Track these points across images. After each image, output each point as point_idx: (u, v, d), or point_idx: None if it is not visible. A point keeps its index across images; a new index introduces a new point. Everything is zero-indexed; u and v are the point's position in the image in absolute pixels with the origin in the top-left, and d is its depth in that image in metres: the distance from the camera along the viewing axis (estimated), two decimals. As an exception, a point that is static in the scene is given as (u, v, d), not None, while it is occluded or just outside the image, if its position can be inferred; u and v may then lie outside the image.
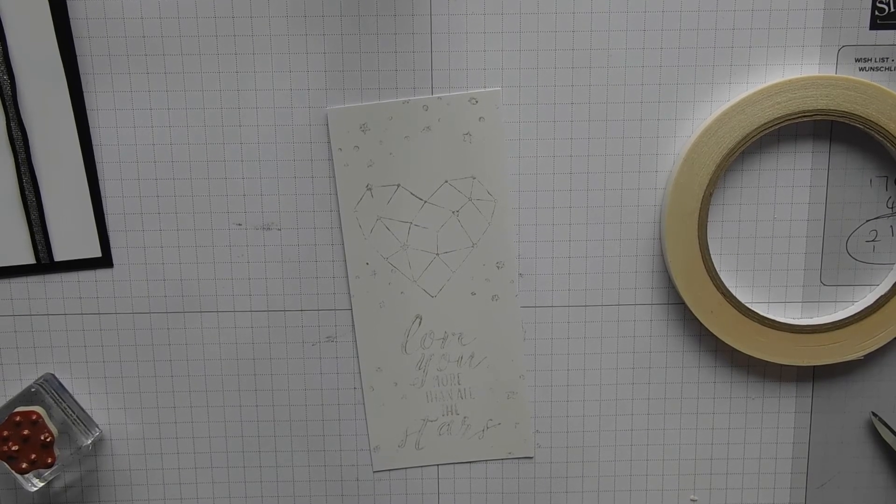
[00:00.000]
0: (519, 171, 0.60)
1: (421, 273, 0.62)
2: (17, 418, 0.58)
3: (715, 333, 0.61)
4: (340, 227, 0.61)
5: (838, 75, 0.59)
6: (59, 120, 0.58)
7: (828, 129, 0.60)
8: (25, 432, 0.58)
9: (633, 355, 0.63)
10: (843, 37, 0.58)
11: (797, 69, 0.59)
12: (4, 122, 0.58)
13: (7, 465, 0.59)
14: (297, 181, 0.60)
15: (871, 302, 0.61)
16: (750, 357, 0.63)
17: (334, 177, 0.60)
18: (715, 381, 0.64)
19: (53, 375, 0.62)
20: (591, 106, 0.59)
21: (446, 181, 0.60)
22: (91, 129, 0.59)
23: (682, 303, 0.62)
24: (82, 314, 0.62)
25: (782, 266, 0.62)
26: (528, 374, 0.63)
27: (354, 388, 0.63)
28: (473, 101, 0.59)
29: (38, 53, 0.57)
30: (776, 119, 0.58)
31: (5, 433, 0.58)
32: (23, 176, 0.59)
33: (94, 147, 0.59)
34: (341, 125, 0.59)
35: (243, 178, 0.60)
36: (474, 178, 0.60)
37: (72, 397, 0.62)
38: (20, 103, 0.58)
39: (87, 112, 0.59)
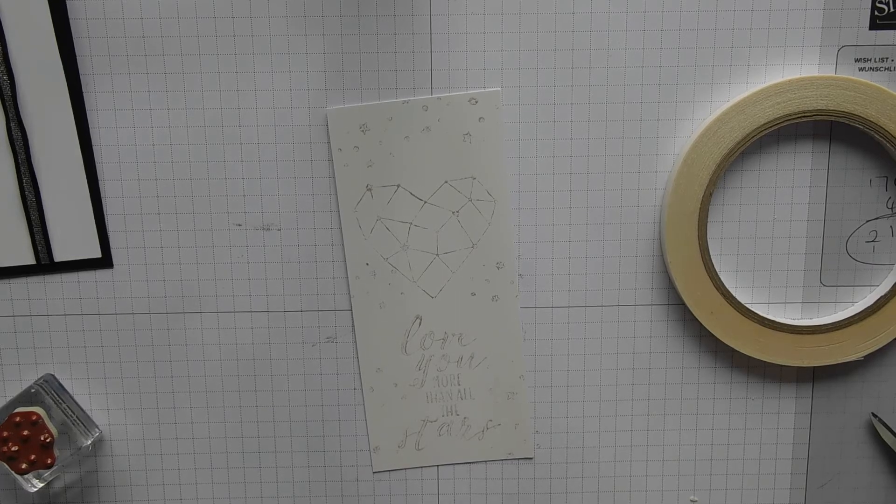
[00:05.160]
0: (519, 171, 0.60)
1: (421, 273, 0.62)
2: (17, 419, 0.58)
3: (715, 334, 0.61)
4: (340, 228, 0.61)
5: (838, 75, 0.59)
6: (59, 120, 0.58)
7: (827, 130, 0.60)
8: (25, 433, 0.58)
9: (632, 356, 0.63)
10: (842, 37, 0.58)
11: (797, 69, 0.59)
12: (4, 122, 0.58)
13: (7, 466, 0.59)
14: (297, 181, 0.60)
15: (871, 303, 0.61)
16: (750, 358, 0.63)
17: (334, 177, 0.60)
18: (715, 382, 0.64)
19: (53, 376, 0.62)
20: (590, 106, 0.59)
21: (446, 181, 0.60)
22: (91, 129, 0.59)
23: (682, 303, 0.62)
24: (82, 314, 0.62)
25: (782, 266, 0.62)
26: (527, 374, 0.63)
27: (354, 389, 0.63)
28: (473, 101, 0.59)
29: (38, 53, 0.57)
30: (776, 119, 0.58)
31: (5, 434, 0.58)
32: (23, 176, 0.59)
33: (94, 147, 0.59)
34: (341, 125, 0.59)
35: (243, 179, 0.60)
36: (474, 179, 0.60)
37: (72, 398, 0.62)
38: (20, 103, 0.58)
39: (87, 112, 0.59)
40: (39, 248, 0.60)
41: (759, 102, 0.58)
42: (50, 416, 0.60)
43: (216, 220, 0.61)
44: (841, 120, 0.58)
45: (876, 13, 0.58)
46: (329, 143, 0.60)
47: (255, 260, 0.61)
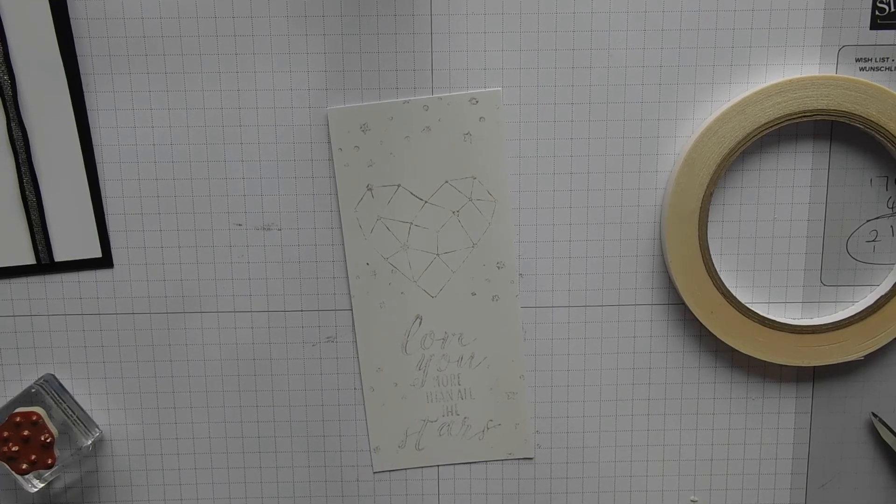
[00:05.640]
0: (519, 171, 0.60)
1: (421, 273, 0.62)
2: (18, 419, 0.58)
3: (715, 334, 0.61)
4: (341, 228, 0.61)
5: (838, 75, 0.59)
6: (59, 120, 0.58)
7: (828, 129, 0.60)
8: (25, 433, 0.58)
9: (633, 356, 0.63)
10: (843, 37, 0.58)
11: (797, 69, 0.59)
12: (4, 122, 0.58)
13: (7, 466, 0.59)
14: (298, 181, 0.60)
15: (872, 302, 0.61)
16: (750, 357, 0.63)
17: (334, 177, 0.60)
18: (715, 382, 0.64)
19: (53, 376, 0.62)
20: (591, 106, 0.59)
21: (446, 181, 0.60)
22: (91, 129, 0.59)
23: (682, 303, 0.62)
24: (82, 314, 0.62)
25: (782, 266, 0.62)
26: (528, 374, 0.63)
27: (354, 389, 0.63)
28: (474, 101, 0.59)
29: (38, 53, 0.57)
30: (776, 119, 0.58)
31: (5, 434, 0.58)
32: (23, 176, 0.59)
33: (94, 147, 0.59)
34: (341, 125, 0.59)
35: (243, 178, 0.60)
36: (474, 178, 0.60)
37: (72, 398, 0.62)
38: (20, 103, 0.58)
39: (87, 112, 0.59)
40: (40, 247, 0.60)
41: (760, 102, 0.58)
42: (50, 416, 0.60)
43: (216, 220, 0.61)
44: (841, 120, 0.58)
45: (877, 13, 0.58)
46: (329, 142, 0.60)
47: (255, 260, 0.61)
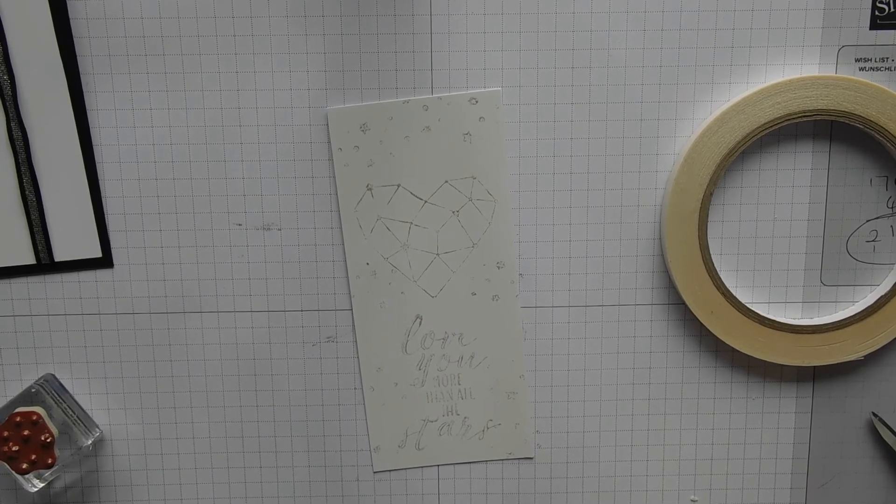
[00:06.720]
0: (519, 171, 0.60)
1: (421, 273, 0.62)
2: (18, 419, 0.58)
3: (715, 333, 0.61)
4: (340, 227, 0.61)
5: (838, 75, 0.59)
6: (59, 120, 0.58)
7: (828, 129, 0.60)
8: (26, 433, 0.58)
9: (633, 355, 0.63)
10: (843, 37, 0.58)
11: (797, 69, 0.59)
12: (4, 122, 0.58)
13: (7, 466, 0.59)
14: (297, 181, 0.60)
15: (872, 302, 0.61)
16: (750, 357, 0.63)
17: (334, 177, 0.60)
18: (715, 382, 0.64)
19: (54, 376, 0.62)
20: (591, 106, 0.59)
21: (446, 181, 0.60)
22: (91, 129, 0.59)
23: (683, 303, 0.62)
24: (82, 314, 0.62)
25: (782, 266, 0.62)
26: (528, 374, 0.63)
27: (355, 389, 0.63)
28: (473, 101, 0.59)
29: (38, 53, 0.57)
30: (776, 119, 0.58)
31: (6, 433, 0.58)
32: (23, 176, 0.59)
33: (94, 147, 0.59)
34: (341, 125, 0.59)
35: (243, 178, 0.60)
36: (474, 178, 0.60)
37: (72, 397, 0.62)
38: (20, 103, 0.58)
39: (87, 112, 0.59)
40: (40, 247, 0.60)
41: (760, 102, 0.58)
42: (50, 416, 0.60)
43: (216, 220, 0.61)
44: (841, 119, 0.58)
45: (876, 13, 0.58)
46: (329, 142, 0.60)
47: (255, 260, 0.61)
